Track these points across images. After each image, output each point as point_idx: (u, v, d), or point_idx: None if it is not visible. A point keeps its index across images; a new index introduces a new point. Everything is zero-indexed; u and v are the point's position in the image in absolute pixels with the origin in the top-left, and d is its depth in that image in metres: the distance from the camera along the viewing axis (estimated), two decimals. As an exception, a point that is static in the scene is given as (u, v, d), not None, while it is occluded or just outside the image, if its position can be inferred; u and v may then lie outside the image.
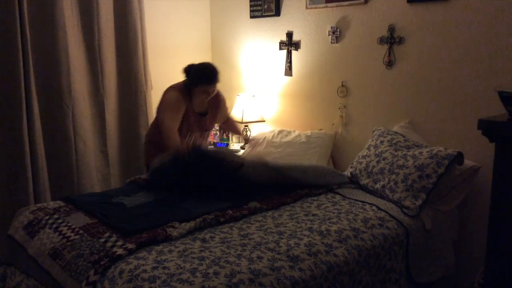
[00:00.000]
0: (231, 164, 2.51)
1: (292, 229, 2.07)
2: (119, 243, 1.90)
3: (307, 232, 2.02)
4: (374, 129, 2.87)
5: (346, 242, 1.99)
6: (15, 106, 2.85)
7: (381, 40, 2.91)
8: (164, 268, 1.70)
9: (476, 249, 2.61)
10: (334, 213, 2.25)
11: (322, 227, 2.07)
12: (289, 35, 3.47)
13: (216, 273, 1.66)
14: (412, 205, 2.33)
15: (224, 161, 2.53)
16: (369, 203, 2.38)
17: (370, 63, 3.01)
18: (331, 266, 1.84)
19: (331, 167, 3.08)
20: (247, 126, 3.72)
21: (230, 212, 2.21)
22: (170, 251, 1.84)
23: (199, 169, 2.47)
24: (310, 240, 1.95)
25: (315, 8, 3.26)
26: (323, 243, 1.95)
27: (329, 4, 3.17)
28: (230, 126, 3.31)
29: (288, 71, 3.54)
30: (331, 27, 3.17)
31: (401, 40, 2.83)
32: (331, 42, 3.21)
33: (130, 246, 1.85)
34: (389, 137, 2.68)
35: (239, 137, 3.81)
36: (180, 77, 2.88)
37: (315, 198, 2.48)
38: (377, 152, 2.64)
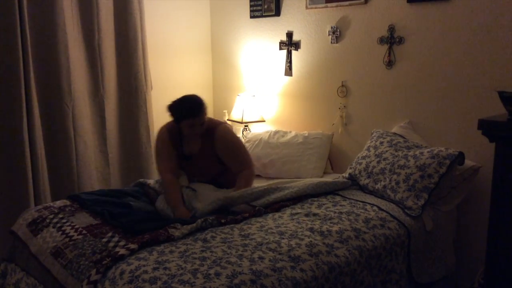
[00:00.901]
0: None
1: (293, 229, 2.07)
2: (122, 243, 1.91)
3: (308, 233, 2.03)
4: (372, 131, 2.87)
5: (347, 242, 1.99)
6: (15, 106, 2.85)
7: (381, 40, 2.91)
8: (165, 268, 1.70)
9: (476, 249, 2.62)
10: (335, 213, 2.25)
11: (323, 228, 2.08)
12: (289, 35, 3.47)
13: (217, 274, 1.66)
14: (415, 205, 2.33)
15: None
16: (370, 204, 2.38)
17: (370, 63, 3.01)
18: (333, 267, 1.84)
19: (329, 180, 2.70)
20: (247, 126, 3.72)
21: (230, 216, 2.24)
22: (171, 252, 1.84)
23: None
24: (311, 241, 1.95)
25: (315, 8, 3.26)
26: (324, 243, 1.95)
27: (329, 4, 3.17)
28: (236, 181, 2.61)
29: (288, 71, 3.54)
30: (331, 27, 3.17)
31: (401, 40, 2.83)
32: (331, 42, 3.21)
33: (132, 246, 1.85)
34: (388, 138, 2.68)
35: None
36: (180, 77, 2.86)
37: (315, 199, 2.47)
38: (377, 152, 2.64)
